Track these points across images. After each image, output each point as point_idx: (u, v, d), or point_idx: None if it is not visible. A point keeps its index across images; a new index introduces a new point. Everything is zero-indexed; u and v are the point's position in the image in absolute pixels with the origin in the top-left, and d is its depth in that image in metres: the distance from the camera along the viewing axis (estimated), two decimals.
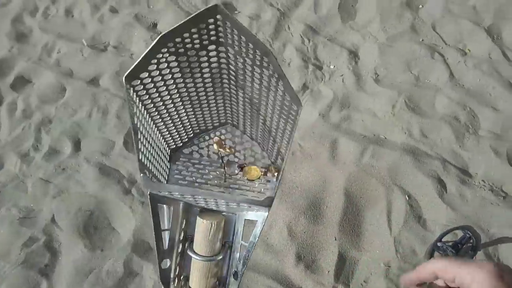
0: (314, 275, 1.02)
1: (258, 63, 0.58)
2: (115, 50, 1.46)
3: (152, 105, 0.65)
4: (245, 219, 0.58)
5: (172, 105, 0.70)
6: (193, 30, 0.56)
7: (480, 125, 1.22)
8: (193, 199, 0.52)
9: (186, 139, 0.81)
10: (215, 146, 0.83)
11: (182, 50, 0.59)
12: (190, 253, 0.56)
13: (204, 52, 0.63)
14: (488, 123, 1.21)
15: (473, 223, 1.05)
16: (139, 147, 0.53)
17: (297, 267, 1.02)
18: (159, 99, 0.66)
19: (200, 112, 0.78)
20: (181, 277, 0.59)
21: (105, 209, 1.13)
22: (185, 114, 0.76)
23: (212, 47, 0.62)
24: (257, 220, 0.55)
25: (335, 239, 1.06)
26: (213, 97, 0.76)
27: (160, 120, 0.71)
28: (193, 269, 0.58)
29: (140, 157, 0.52)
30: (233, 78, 0.70)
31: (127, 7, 1.57)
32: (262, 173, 0.80)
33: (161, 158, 0.72)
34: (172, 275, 0.57)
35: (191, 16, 0.53)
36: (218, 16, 0.54)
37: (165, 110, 0.70)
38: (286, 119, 0.64)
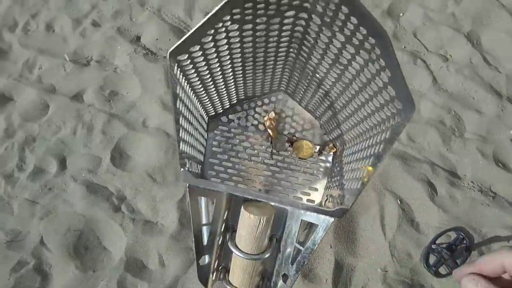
0: (312, 284, 1.01)
1: (356, 42, 0.46)
2: (98, 64, 1.44)
3: (198, 78, 0.54)
4: (302, 219, 0.49)
5: (221, 77, 0.58)
6: None
7: (465, 128, 1.25)
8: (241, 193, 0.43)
9: (228, 106, 0.66)
10: (266, 120, 0.63)
11: (249, 17, 0.48)
12: (233, 249, 0.47)
13: (277, 20, 0.51)
14: (473, 126, 1.24)
15: (465, 223, 1.07)
16: (180, 135, 0.43)
17: None
18: (207, 72, 0.54)
19: (251, 81, 0.64)
20: (220, 268, 0.54)
21: (95, 228, 1.10)
22: (233, 83, 0.62)
23: (291, 13, 0.50)
24: (318, 225, 0.46)
25: (331, 247, 1.06)
26: (271, 68, 0.63)
27: (204, 92, 0.58)
28: (235, 265, 0.49)
29: (181, 147, 0.43)
30: (305, 52, 0.58)
31: (109, 20, 1.55)
32: (316, 151, 0.65)
33: (199, 132, 0.58)
34: (211, 269, 0.51)
35: None
36: None
37: (212, 82, 0.58)
38: (373, 111, 0.51)
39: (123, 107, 1.33)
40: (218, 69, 0.56)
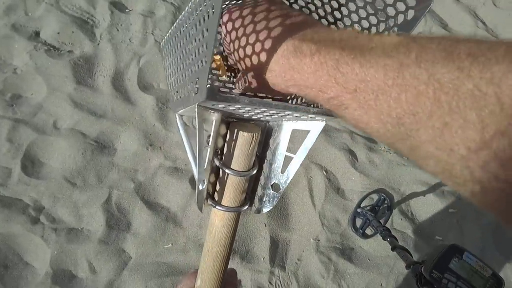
0: (251, 264, 1.02)
1: None
2: None
3: None
4: (292, 129, 0.45)
5: None
6: None
7: None
8: (247, 108, 0.34)
9: None
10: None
11: None
12: (227, 171, 0.44)
13: None
14: None
15: (385, 185, 1.14)
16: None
17: (232, 260, 1.01)
18: None
19: None
20: (210, 194, 0.52)
21: (13, 244, 1.01)
22: None
23: None
24: (309, 130, 0.43)
25: (265, 225, 1.07)
26: None
27: None
28: (226, 185, 0.49)
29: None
30: None
31: (1, 17, 1.40)
32: None
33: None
34: (205, 194, 0.49)
35: None
36: None
37: None
38: None
39: (28, 110, 1.22)
40: None
